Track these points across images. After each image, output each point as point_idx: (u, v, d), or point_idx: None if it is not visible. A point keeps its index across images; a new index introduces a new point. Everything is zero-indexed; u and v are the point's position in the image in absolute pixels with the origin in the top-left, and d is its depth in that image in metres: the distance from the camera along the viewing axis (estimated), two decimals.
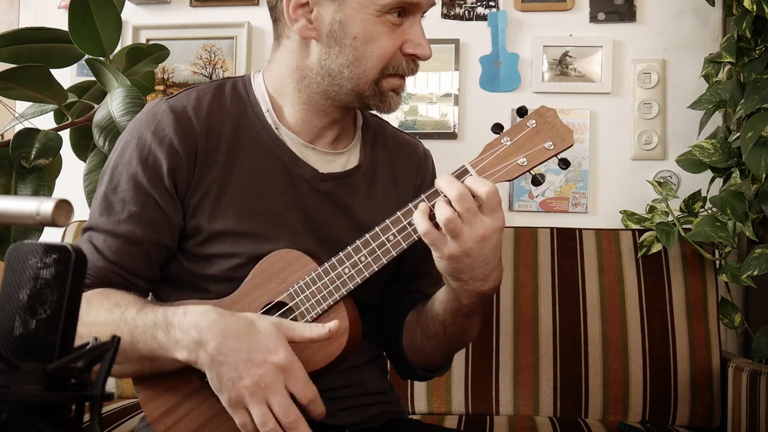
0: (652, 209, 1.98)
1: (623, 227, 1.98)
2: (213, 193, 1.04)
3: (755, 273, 1.71)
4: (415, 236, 0.96)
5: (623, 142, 2.17)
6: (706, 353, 1.80)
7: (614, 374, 1.80)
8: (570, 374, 1.81)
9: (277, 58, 1.09)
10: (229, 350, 0.89)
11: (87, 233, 1.04)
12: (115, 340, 0.53)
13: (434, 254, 0.94)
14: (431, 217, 0.93)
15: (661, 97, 2.15)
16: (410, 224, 0.96)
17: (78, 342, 0.94)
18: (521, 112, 0.98)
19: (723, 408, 1.78)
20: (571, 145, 0.96)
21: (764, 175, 1.68)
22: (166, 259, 1.07)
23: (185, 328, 0.91)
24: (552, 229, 1.93)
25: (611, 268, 1.87)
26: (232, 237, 1.03)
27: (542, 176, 0.97)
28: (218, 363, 0.90)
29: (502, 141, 0.96)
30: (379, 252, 0.98)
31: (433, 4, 1.05)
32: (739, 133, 1.79)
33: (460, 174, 0.95)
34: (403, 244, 0.97)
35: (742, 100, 1.79)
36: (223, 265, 1.03)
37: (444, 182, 0.92)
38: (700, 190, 1.96)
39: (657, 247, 1.85)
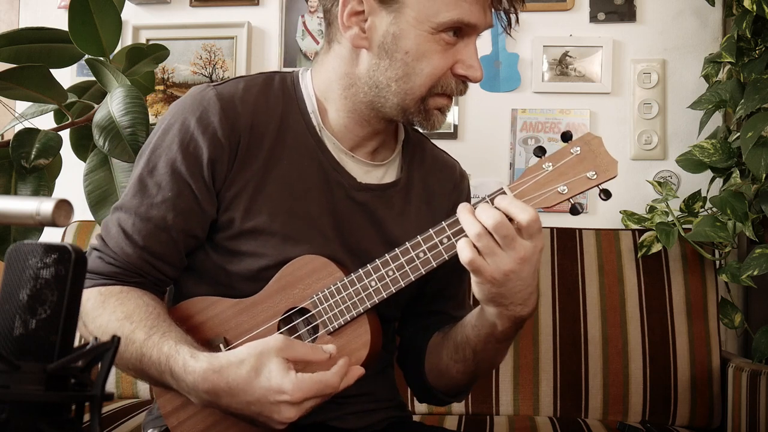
0: (652, 209, 1.98)
1: (623, 227, 1.98)
2: (250, 189, 1.02)
3: (755, 273, 1.71)
4: (446, 255, 0.95)
5: (623, 142, 2.17)
6: (706, 353, 1.80)
7: (614, 374, 1.80)
8: (570, 374, 1.81)
9: (326, 61, 1.07)
10: (242, 405, 0.88)
11: (116, 214, 1.03)
12: (115, 340, 0.53)
13: (474, 279, 0.91)
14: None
15: (661, 97, 2.15)
16: (441, 242, 0.94)
17: (101, 333, 0.95)
18: (566, 137, 0.95)
19: (723, 408, 1.78)
20: (615, 176, 0.93)
21: (764, 175, 1.68)
22: (194, 248, 1.05)
23: (190, 385, 0.90)
24: (552, 229, 1.93)
25: (611, 268, 1.87)
26: (262, 235, 1.01)
27: (581, 206, 0.94)
28: (240, 415, 0.90)
29: (543, 166, 0.94)
30: (407, 268, 0.96)
31: (491, 26, 1.02)
32: (739, 133, 1.79)
33: (498, 197, 0.92)
34: (433, 263, 0.95)
35: (742, 100, 1.79)
36: (250, 264, 1.02)
37: (479, 209, 0.89)
38: (700, 190, 1.96)
39: (657, 247, 1.85)
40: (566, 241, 1.91)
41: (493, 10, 1.00)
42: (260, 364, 0.87)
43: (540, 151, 0.95)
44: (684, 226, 1.88)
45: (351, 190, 1.06)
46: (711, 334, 1.82)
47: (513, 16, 1.01)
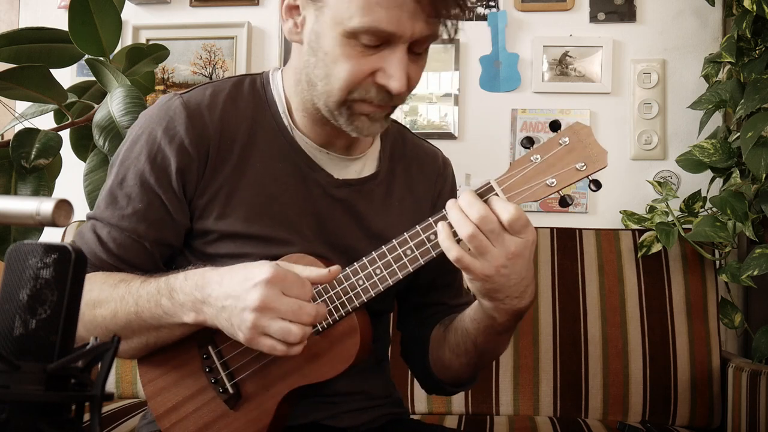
0: (652, 209, 1.98)
1: (623, 227, 1.99)
2: (223, 194, 1.01)
3: (755, 273, 1.71)
4: (433, 253, 0.93)
5: (623, 142, 2.17)
6: (706, 353, 1.81)
7: (614, 374, 1.80)
8: (570, 374, 1.81)
9: (290, 59, 1.06)
10: (225, 294, 0.88)
11: (91, 222, 1.03)
12: (115, 340, 0.53)
13: (466, 276, 0.91)
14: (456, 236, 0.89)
15: (661, 97, 2.15)
16: (429, 239, 0.93)
17: (82, 323, 0.94)
18: (554, 126, 0.92)
19: (723, 408, 1.78)
20: (605, 167, 0.90)
21: (764, 175, 1.68)
22: (171, 255, 1.05)
23: (187, 290, 0.91)
24: (552, 229, 1.93)
25: (611, 268, 1.87)
26: (241, 239, 1.01)
27: (570, 198, 0.91)
28: (221, 309, 0.89)
29: (531, 158, 0.91)
30: (395, 266, 0.95)
31: (424, 35, 0.92)
32: (739, 133, 1.79)
33: (486, 191, 0.91)
34: (421, 260, 0.94)
35: (742, 100, 1.79)
36: (232, 264, 1.02)
37: (465, 202, 0.88)
38: (700, 190, 1.96)
39: (657, 247, 1.85)
40: (566, 241, 1.91)
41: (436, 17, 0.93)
42: (252, 264, 0.90)
43: (528, 142, 0.92)
44: (684, 226, 1.88)
45: (329, 187, 1.05)
46: (711, 334, 1.82)
47: (451, 25, 0.94)
